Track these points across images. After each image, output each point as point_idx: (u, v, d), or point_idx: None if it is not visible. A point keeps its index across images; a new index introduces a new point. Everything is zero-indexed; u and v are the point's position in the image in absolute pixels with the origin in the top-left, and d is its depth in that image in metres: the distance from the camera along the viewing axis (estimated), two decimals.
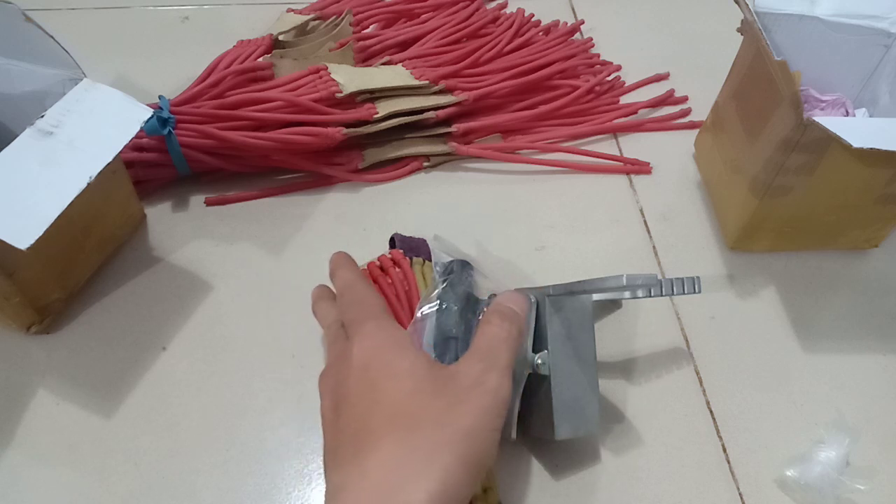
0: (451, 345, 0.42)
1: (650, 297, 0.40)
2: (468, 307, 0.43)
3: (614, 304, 0.51)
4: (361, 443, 0.30)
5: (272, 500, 0.41)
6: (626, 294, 0.41)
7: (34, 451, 0.42)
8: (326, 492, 0.31)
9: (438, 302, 0.42)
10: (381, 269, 0.47)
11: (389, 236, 0.50)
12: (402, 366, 0.32)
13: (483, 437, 0.30)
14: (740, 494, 0.43)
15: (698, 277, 0.41)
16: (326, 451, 0.33)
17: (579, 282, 0.42)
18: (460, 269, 0.45)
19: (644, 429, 0.45)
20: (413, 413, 0.30)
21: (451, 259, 0.46)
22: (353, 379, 0.32)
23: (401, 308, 0.45)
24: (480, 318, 0.42)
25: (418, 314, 0.42)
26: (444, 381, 0.32)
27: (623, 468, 0.43)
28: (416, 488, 0.28)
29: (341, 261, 0.41)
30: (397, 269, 0.47)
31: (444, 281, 0.43)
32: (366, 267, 0.47)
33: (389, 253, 0.48)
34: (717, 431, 0.45)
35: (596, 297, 0.42)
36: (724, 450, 0.45)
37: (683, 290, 0.41)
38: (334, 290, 0.41)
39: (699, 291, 0.41)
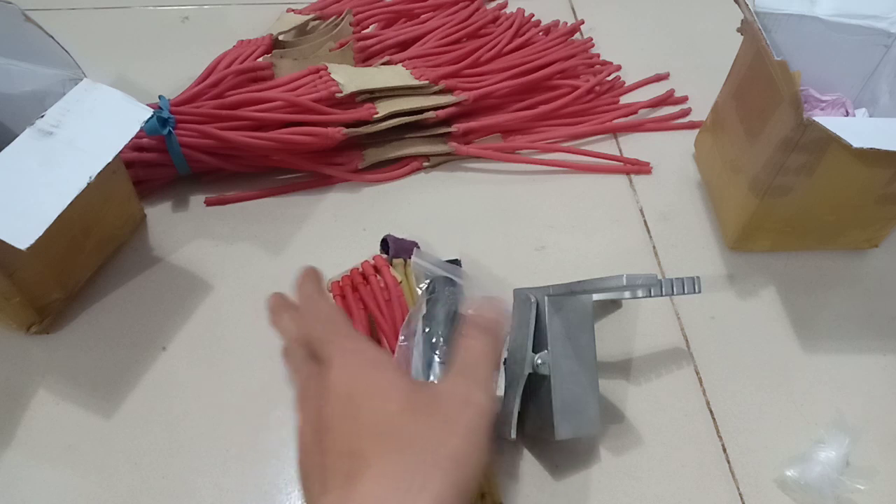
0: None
1: (650, 297, 0.40)
2: (453, 328, 0.42)
3: (614, 304, 0.51)
4: (350, 467, 0.29)
5: (272, 500, 0.41)
6: (626, 294, 0.41)
7: (34, 451, 0.42)
8: None
9: (423, 328, 0.41)
10: (363, 276, 0.47)
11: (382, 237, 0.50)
12: (384, 385, 0.31)
13: (473, 460, 0.30)
14: (740, 494, 0.43)
15: (698, 277, 0.41)
16: (308, 476, 0.32)
17: (579, 282, 0.42)
18: (442, 288, 0.44)
19: (644, 429, 0.45)
20: (402, 434, 0.30)
21: (430, 280, 0.45)
22: (336, 400, 0.31)
23: (382, 317, 0.45)
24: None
25: (404, 344, 0.41)
26: (430, 401, 0.31)
27: (623, 468, 0.43)
28: None
29: (308, 275, 0.39)
30: (378, 277, 0.46)
31: (427, 301, 0.43)
32: (348, 273, 0.47)
33: (373, 258, 0.48)
34: (717, 431, 0.45)
35: (596, 297, 0.42)
36: (724, 450, 0.45)
37: (683, 290, 0.41)
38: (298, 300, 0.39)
39: (699, 291, 0.41)
